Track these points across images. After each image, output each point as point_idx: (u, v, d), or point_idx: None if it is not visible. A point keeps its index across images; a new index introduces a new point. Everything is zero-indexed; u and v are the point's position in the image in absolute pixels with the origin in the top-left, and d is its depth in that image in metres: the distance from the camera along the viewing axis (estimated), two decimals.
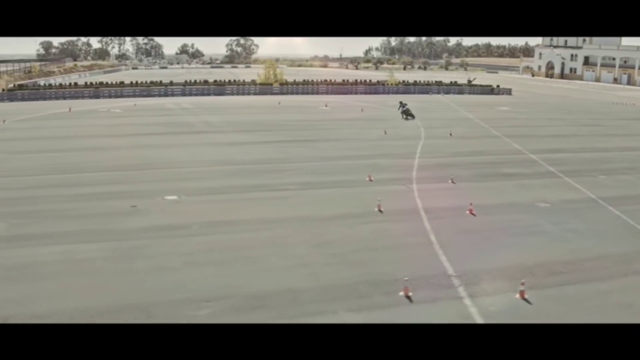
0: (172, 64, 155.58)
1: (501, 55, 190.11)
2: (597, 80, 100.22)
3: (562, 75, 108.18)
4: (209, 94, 62.57)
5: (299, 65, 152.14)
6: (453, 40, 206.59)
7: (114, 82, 67.99)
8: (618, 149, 32.41)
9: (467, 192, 21.72)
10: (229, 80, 73.86)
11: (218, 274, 13.38)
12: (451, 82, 76.66)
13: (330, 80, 73.80)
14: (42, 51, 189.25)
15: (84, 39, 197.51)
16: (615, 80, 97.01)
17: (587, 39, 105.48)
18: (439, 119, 44.27)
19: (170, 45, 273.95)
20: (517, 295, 12.68)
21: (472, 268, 14.13)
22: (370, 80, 76.34)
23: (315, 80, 73.98)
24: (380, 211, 18.65)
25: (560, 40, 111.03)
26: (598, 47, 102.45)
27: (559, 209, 20.01)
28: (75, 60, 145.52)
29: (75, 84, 69.85)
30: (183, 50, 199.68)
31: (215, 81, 72.34)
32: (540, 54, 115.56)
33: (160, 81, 72.66)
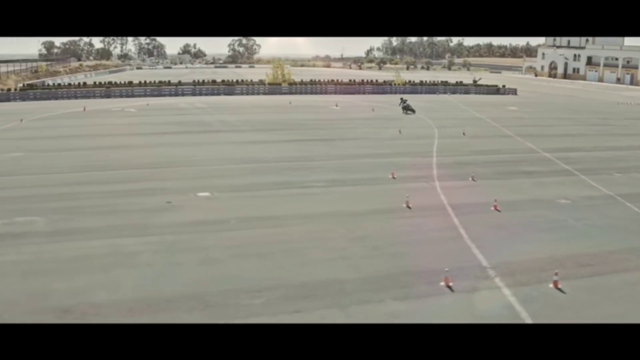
0: (177, 64, 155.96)
1: (503, 55, 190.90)
2: (600, 80, 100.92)
3: (565, 75, 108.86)
4: (218, 94, 63.18)
5: (302, 65, 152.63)
6: (454, 40, 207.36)
7: (123, 82, 68.57)
8: (631, 148, 33.04)
9: (489, 189, 22.33)
10: (238, 80, 74.40)
11: (264, 266, 13.97)
12: (457, 82, 77.27)
13: (338, 80, 74.40)
14: (44, 51, 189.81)
15: (86, 39, 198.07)
16: (619, 80, 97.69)
17: (590, 39, 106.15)
18: (449, 118, 44.88)
19: (172, 45, 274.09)
20: (551, 285, 13.28)
21: (504, 260, 14.73)
22: (376, 80, 76.95)
23: (322, 80, 74.61)
24: (409, 207, 19.26)
25: (563, 40, 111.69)
26: (601, 47, 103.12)
27: (579, 205, 20.61)
28: (79, 60, 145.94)
29: (85, 83, 70.39)
30: (185, 50, 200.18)
31: (223, 81, 72.89)
32: (543, 54, 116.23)
33: (169, 81, 73.24)
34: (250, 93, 64.61)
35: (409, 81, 75.13)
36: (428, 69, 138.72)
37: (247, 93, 64.51)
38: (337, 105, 52.25)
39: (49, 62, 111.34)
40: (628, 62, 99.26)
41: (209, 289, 12.52)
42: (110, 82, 69.45)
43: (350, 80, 76.57)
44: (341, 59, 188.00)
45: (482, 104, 57.00)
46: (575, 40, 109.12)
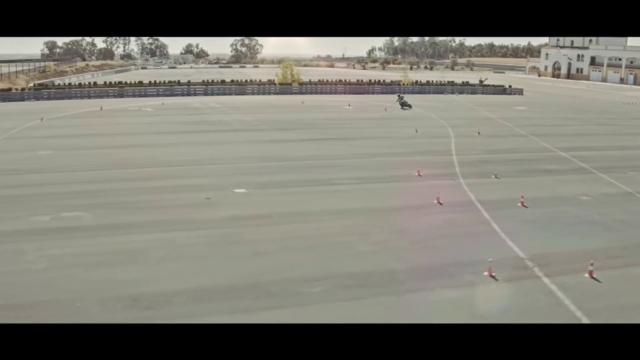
0: (182, 63, 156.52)
1: (504, 56, 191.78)
2: (604, 80, 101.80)
3: (568, 76, 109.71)
4: (230, 94, 63.87)
5: (305, 65, 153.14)
6: (456, 40, 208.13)
7: (134, 82, 69.23)
8: None
9: (512, 186, 23.09)
10: (248, 80, 75.05)
11: (314, 257, 14.73)
12: (463, 82, 78.03)
13: (346, 80, 75.13)
14: (46, 51, 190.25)
15: (88, 39, 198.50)
16: (622, 81, 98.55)
17: (594, 39, 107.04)
18: (461, 118, 45.64)
19: (174, 45, 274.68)
20: (587, 275, 14.05)
21: (539, 252, 15.50)
22: (384, 80, 77.69)
23: (331, 80, 75.36)
24: (440, 203, 20.02)
25: (567, 40, 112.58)
26: (604, 47, 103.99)
27: (600, 201, 21.37)
28: (84, 60, 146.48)
29: (95, 83, 70.98)
30: (188, 50, 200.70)
31: (232, 81, 73.57)
32: (547, 54, 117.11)
33: (179, 81, 73.84)
34: (262, 93, 65.35)
35: (416, 81, 75.84)
36: (431, 69, 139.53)
37: (258, 93, 65.24)
38: (349, 105, 53.00)
39: (56, 62, 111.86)
40: (631, 62, 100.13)
41: (268, 279, 13.26)
42: (121, 82, 70.06)
43: (358, 80, 77.31)
44: (343, 59, 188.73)
45: (491, 104, 57.75)
46: (578, 41, 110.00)
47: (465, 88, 73.22)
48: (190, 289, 12.83)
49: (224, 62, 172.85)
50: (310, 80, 74.12)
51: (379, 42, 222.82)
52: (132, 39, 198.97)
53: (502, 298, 12.63)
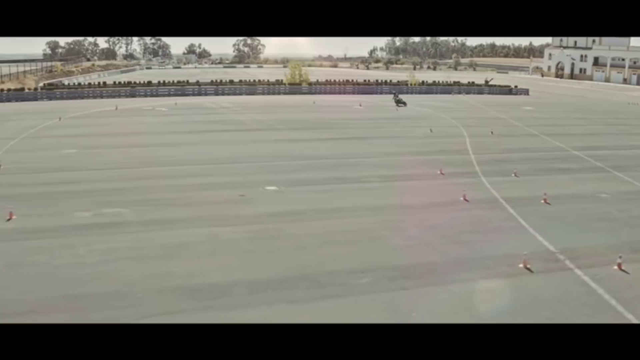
0: (186, 63, 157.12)
1: (506, 56, 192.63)
2: (607, 80, 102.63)
3: (572, 76, 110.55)
4: (240, 94, 64.57)
5: (309, 65, 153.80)
6: (459, 40, 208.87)
7: (143, 82, 69.89)
8: None
9: (532, 184, 23.80)
10: (258, 80, 75.67)
11: (355, 251, 15.42)
12: (469, 82, 78.76)
13: (353, 81, 75.84)
14: (48, 51, 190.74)
15: (90, 39, 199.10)
16: (625, 81, 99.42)
17: (597, 39, 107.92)
18: (472, 118, 46.34)
19: (176, 45, 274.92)
20: (616, 267, 14.77)
21: (568, 246, 16.20)
22: (390, 81, 78.41)
23: (338, 80, 76.07)
24: (466, 200, 20.71)
25: (570, 41, 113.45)
26: (607, 48, 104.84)
27: (619, 199, 22.08)
28: (89, 59, 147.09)
29: (104, 83, 71.59)
30: (190, 50, 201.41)
31: (240, 81, 74.25)
32: (550, 54, 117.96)
33: (187, 80, 74.54)
34: (272, 93, 66.05)
35: (423, 82, 76.53)
36: (435, 69, 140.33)
37: (268, 93, 65.95)
38: (360, 105, 53.71)
39: (62, 62, 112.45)
40: (634, 62, 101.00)
41: (315, 271, 13.94)
42: (130, 82, 70.72)
43: (365, 81, 78.05)
44: (345, 59, 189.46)
45: (498, 104, 58.47)
46: (581, 41, 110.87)
47: (471, 88, 73.95)
48: (244, 280, 13.49)
49: (227, 62, 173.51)
50: (317, 80, 74.83)
51: (381, 42, 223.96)
52: (135, 39, 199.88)
53: (539, 288, 13.33)
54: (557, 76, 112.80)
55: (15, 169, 25.56)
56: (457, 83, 77.07)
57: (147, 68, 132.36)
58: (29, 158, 28.07)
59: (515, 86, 74.79)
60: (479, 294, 12.87)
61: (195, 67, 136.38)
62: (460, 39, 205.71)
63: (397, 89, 69.26)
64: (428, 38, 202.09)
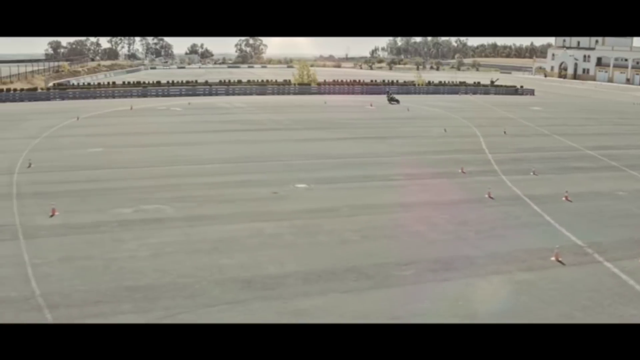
0: (190, 64, 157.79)
1: (508, 56, 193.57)
2: (610, 80, 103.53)
3: (575, 76, 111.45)
4: (251, 94, 65.28)
5: (312, 66, 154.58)
6: (461, 40, 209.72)
7: (151, 82, 70.55)
8: None
9: (551, 182, 24.60)
10: (267, 80, 76.30)
11: (394, 245, 16.20)
12: (475, 82, 79.56)
13: (361, 81, 76.60)
14: (50, 51, 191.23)
15: (93, 39, 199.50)
16: (628, 81, 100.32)
17: (600, 40, 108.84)
18: (482, 118, 47.12)
19: (179, 45, 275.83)
20: None
21: (594, 241, 17.00)
22: (397, 81, 79.19)
23: (346, 80, 76.83)
24: (491, 197, 21.49)
25: (573, 41, 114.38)
26: (610, 48, 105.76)
27: (636, 196, 22.88)
28: (92, 60, 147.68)
29: (114, 83, 72.24)
30: (193, 50, 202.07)
31: (249, 81, 74.93)
32: (553, 54, 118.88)
33: (196, 81, 75.28)
34: (282, 93, 66.80)
35: (429, 82, 77.29)
36: (438, 69, 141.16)
37: (278, 93, 66.69)
38: (371, 105, 54.50)
39: (69, 62, 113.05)
40: (637, 62, 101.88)
41: (361, 263, 14.71)
42: (139, 82, 71.38)
43: (372, 81, 78.81)
44: (347, 59, 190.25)
45: (506, 105, 59.26)
46: (585, 41, 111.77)
47: (478, 88, 74.74)
48: (295, 272, 14.23)
49: (230, 62, 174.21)
50: (325, 81, 75.56)
51: (382, 42, 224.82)
52: (137, 39, 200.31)
53: (573, 279, 14.12)
54: (560, 76, 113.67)
55: (46, 167, 26.27)
56: (463, 83, 77.84)
57: (152, 68, 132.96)
58: (56, 156, 28.77)
59: (521, 86, 75.61)
60: (518, 285, 13.65)
61: (200, 67, 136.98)
62: (462, 39, 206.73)
63: (406, 89, 70.16)
64: (429, 38, 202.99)
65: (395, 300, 12.65)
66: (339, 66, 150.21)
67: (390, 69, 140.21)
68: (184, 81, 72.97)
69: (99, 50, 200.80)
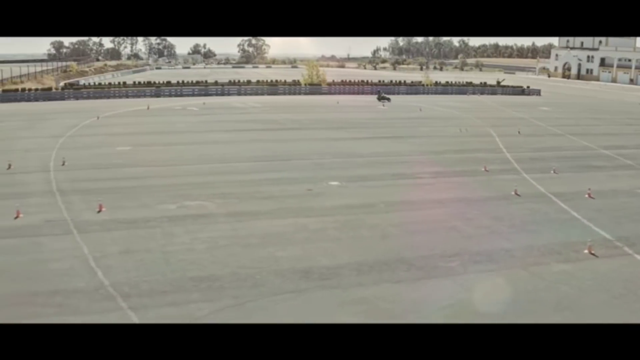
0: (194, 63, 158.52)
1: (510, 56, 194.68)
2: (614, 81, 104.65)
3: (578, 76, 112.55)
4: (262, 94, 66.17)
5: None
6: (464, 40, 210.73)
7: (160, 82, 71.38)
8: None
9: (572, 180, 25.52)
10: (277, 81, 77.07)
11: (436, 238, 17.13)
12: (481, 82, 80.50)
13: (369, 81, 77.50)
14: (53, 51, 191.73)
15: (95, 39, 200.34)
16: (632, 81, 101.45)
17: (603, 40, 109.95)
18: (494, 118, 48.07)
19: (181, 45, 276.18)
20: None
21: (621, 235, 17.95)
22: (404, 81, 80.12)
23: (355, 80, 77.72)
24: (518, 194, 22.41)
25: (577, 41, 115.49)
26: (614, 48, 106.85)
27: None
28: (97, 60, 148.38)
29: (124, 83, 73.10)
30: (195, 50, 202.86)
31: (258, 81, 75.82)
32: (557, 55, 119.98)
33: (206, 81, 76.14)
34: (293, 93, 67.73)
35: (436, 82, 78.20)
36: (441, 69, 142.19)
37: (289, 93, 67.61)
38: (383, 105, 55.41)
39: (77, 62, 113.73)
40: None
41: (408, 255, 15.63)
42: (150, 82, 72.18)
43: (380, 81, 79.71)
44: (348, 59, 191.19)
45: (514, 105, 60.20)
46: (588, 42, 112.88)
47: (485, 89, 75.69)
48: (348, 263, 15.11)
49: (233, 62, 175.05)
50: (333, 81, 76.44)
51: (384, 42, 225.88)
52: (140, 39, 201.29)
53: (608, 270, 15.08)
54: (564, 77, 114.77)
55: (80, 165, 27.10)
56: (470, 84, 78.82)
57: (157, 68, 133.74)
58: (86, 155, 29.60)
59: (528, 87, 76.59)
60: (557, 275, 14.58)
61: (205, 67, 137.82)
62: (464, 39, 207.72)
63: (415, 89, 71.17)
64: (431, 38, 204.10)
65: (447, 290, 13.56)
66: (342, 66, 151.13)
67: (394, 69, 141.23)
68: (195, 81, 73.84)
69: (101, 50, 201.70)
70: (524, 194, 22.53)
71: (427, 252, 15.90)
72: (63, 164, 27.09)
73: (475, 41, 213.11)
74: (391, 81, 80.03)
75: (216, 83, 71.76)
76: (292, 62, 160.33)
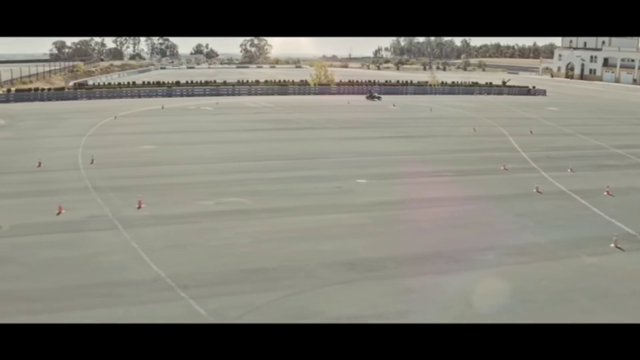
0: (199, 63, 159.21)
1: (511, 56, 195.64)
2: (617, 81, 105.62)
3: (581, 77, 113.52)
4: (272, 94, 66.94)
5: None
6: (467, 40, 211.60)
7: (171, 82, 72.06)
8: None
9: (589, 178, 26.39)
10: (287, 81, 77.78)
11: (470, 233, 18.01)
12: (487, 83, 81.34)
13: (376, 82, 78.28)
14: (55, 51, 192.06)
15: (97, 39, 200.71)
16: (635, 82, 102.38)
17: (607, 41, 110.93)
18: (504, 118, 48.91)
19: (184, 45, 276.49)
20: None
21: None
22: (411, 81, 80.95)
23: (362, 80, 78.52)
24: (539, 192, 23.26)
25: (580, 42, 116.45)
26: (617, 49, 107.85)
27: None
28: (102, 60, 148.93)
29: (134, 83, 73.75)
30: (198, 50, 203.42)
31: (266, 81, 76.58)
32: (560, 55, 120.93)
33: (214, 80, 76.87)
34: (303, 93, 68.52)
35: (443, 82, 79.01)
36: (444, 69, 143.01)
37: (299, 93, 68.39)
38: (394, 105, 56.27)
39: (85, 62, 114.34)
40: None
41: (446, 249, 16.48)
42: (159, 82, 72.84)
43: (386, 81, 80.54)
44: (349, 59, 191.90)
45: (522, 105, 61.06)
46: (591, 42, 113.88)
47: (491, 89, 76.54)
48: (390, 256, 15.94)
49: (237, 61, 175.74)
50: (341, 81, 77.20)
51: (385, 42, 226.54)
52: (142, 38, 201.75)
53: (635, 262, 15.98)
54: (567, 77, 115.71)
55: (109, 163, 27.80)
56: (475, 84, 79.66)
57: (162, 68, 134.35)
58: (113, 153, 30.28)
59: (533, 87, 77.45)
60: (589, 267, 15.47)
61: (209, 67, 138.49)
62: (466, 39, 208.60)
63: (422, 90, 72.00)
64: (432, 38, 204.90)
65: (487, 280, 14.39)
66: (345, 66, 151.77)
67: (398, 69, 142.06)
68: (203, 81, 74.55)
69: (104, 50, 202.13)
70: (545, 192, 23.38)
71: (462, 245, 16.74)
72: (92, 162, 27.80)
73: (476, 41, 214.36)
74: (398, 81, 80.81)
75: (225, 83, 72.46)
76: (296, 62, 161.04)
